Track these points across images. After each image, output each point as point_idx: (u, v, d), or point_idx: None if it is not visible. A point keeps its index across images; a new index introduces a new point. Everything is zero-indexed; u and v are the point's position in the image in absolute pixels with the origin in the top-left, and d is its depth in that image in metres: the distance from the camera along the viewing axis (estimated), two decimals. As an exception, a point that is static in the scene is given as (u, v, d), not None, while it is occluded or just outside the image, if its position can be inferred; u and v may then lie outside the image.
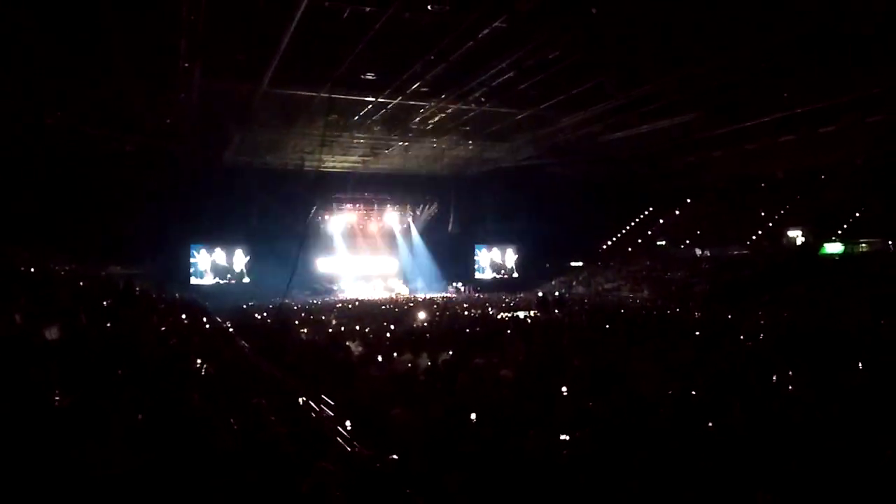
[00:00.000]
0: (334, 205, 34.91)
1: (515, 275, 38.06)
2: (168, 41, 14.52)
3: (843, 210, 26.34)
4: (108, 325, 9.25)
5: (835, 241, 25.40)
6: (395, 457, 5.03)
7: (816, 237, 26.06)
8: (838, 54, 15.93)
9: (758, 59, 16.36)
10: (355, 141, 26.25)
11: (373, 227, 36.75)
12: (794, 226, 27.80)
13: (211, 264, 31.82)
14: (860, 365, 8.79)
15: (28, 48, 14.93)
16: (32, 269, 12.69)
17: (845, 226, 25.83)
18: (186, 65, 15.75)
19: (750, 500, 4.34)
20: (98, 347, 7.20)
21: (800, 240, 27.09)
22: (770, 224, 29.32)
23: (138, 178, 24.92)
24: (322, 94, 18.40)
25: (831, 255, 24.93)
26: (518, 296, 28.29)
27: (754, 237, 28.97)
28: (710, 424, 5.94)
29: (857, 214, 25.89)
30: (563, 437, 5.52)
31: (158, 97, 19.21)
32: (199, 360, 8.05)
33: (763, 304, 19.09)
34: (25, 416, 4.33)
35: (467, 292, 33.21)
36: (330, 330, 15.18)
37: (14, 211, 20.36)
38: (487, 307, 22.73)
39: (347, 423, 6.27)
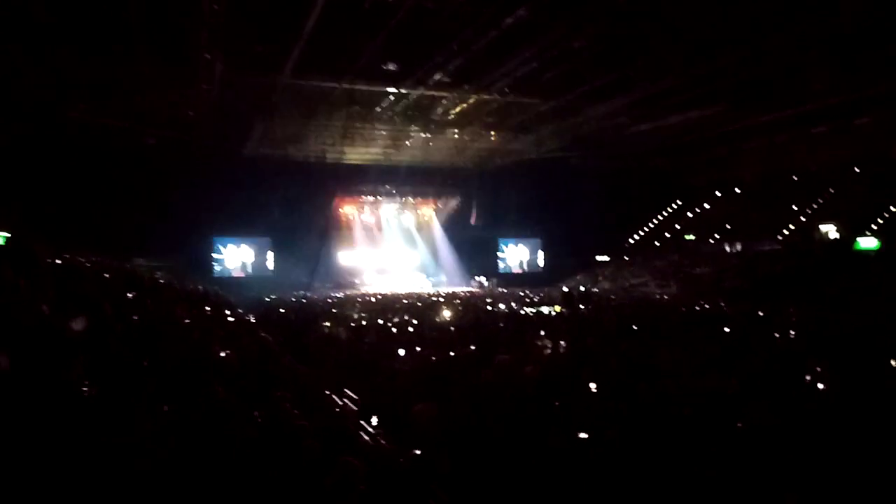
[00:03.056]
0: (356, 197, 34.96)
1: (540, 270, 37.75)
2: (190, 33, 14.60)
3: (877, 204, 25.61)
4: (134, 316, 9.30)
5: (869, 235, 24.73)
6: (417, 452, 4.96)
7: (850, 232, 25.38)
8: (873, 44, 15.44)
9: (790, 49, 15.92)
10: (377, 132, 26.25)
11: (395, 220, 36.74)
12: (827, 220, 27.12)
13: (233, 257, 32.12)
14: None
15: (50, 41, 15.11)
16: (59, 262, 12.85)
17: (880, 220, 25.12)
18: (208, 56, 15.83)
19: (779, 501, 4.19)
20: (123, 339, 7.22)
21: (833, 234, 26.42)
22: (802, 218, 28.64)
23: (161, 171, 25.22)
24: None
25: (866, 250, 24.26)
26: (543, 291, 28.05)
27: (786, 232, 28.34)
28: (740, 424, 5.75)
29: (893, 209, 25.15)
30: (582, 435, 5.38)
31: (180, 89, 19.39)
32: (222, 353, 8.04)
33: (795, 300, 18.61)
34: (54, 406, 4.33)
35: (491, 287, 33.03)
36: (352, 324, 15.16)
37: (40, 204, 20.73)
38: (511, 302, 22.54)
39: (371, 417, 6.21)
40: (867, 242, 24.52)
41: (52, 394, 4.44)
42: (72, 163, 22.66)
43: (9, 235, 13.63)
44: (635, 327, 13.49)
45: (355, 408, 6.85)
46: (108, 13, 13.71)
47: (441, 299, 23.40)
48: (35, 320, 6.42)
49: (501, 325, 14.62)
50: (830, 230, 26.61)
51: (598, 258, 34.84)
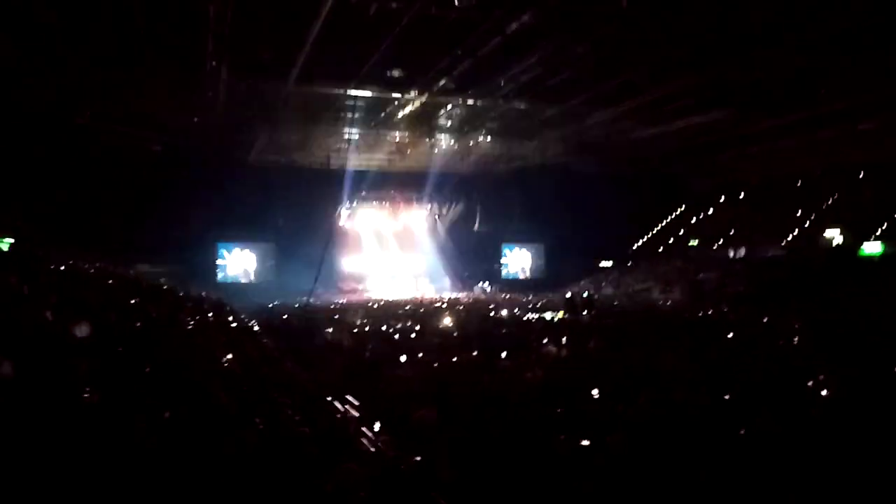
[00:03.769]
0: (360, 203, 34.97)
1: (543, 275, 37.63)
2: (195, 40, 14.68)
3: (882, 209, 25.49)
4: (137, 323, 9.31)
5: (874, 241, 24.59)
6: (418, 458, 4.94)
7: (855, 237, 25.25)
8: (878, 48, 15.40)
9: (795, 54, 15.90)
10: (381, 139, 26.29)
11: (399, 225, 36.71)
12: (832, 225, 26.99)
13: (237, 263, 32.11)
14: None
15: (58, 48, 15.21)
16: (62, 268, 12.90)
17: (885, 225, 24.98)
18: (213, 63, 15.90)
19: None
20: (126, 345, 7.23)
21: (838, 240, 26.28)
22: (806, 224, 28.50)
23: (165, 177, 25.31)
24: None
25: (870, 255, 24.13)
26: (546, 297, 27.98)
27: (790, 237, 28.21)
28: (742, 431, 5.72)
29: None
30: (584, 442, 5.36)
31: (185, 96, 19.47)
32: (224, 359, 8.04)
33: (799, 306, 18.52)
34: (56, 412, 4.34)
35: (494, 293, 32.94)
36: (355, 330, 15.16)
37: (44, 210, 20.84)
38: (514, 308, 22.51)
39: (372, 423, 6.19)
40: (872, 248, 24.39)
41: (54, 400, 4.44)
42: (77, 169, 22.76)
43: (13, 241, 13.69)
44: (638, 333, 13.46)
45: (356, 414, 6.83)
46: (116, 20, 13.79)
47: (444, 305, 23.39)
48: (38, 326, 6.44)
49: (504, 330, 14.61)
50: (835, 235, 26.46)
51: (602, 264, 34.73)
